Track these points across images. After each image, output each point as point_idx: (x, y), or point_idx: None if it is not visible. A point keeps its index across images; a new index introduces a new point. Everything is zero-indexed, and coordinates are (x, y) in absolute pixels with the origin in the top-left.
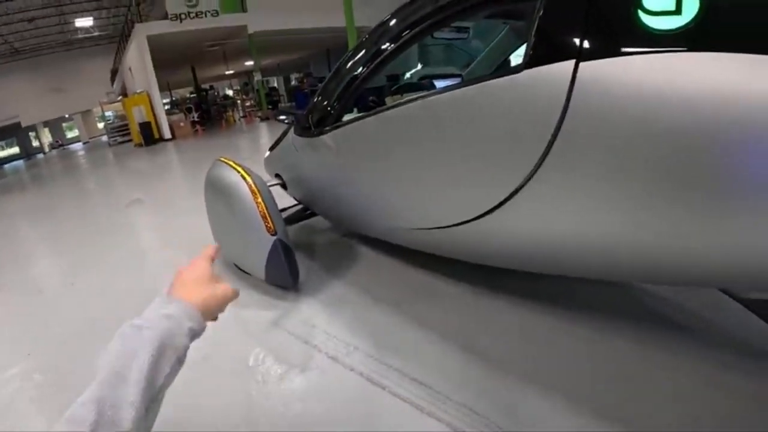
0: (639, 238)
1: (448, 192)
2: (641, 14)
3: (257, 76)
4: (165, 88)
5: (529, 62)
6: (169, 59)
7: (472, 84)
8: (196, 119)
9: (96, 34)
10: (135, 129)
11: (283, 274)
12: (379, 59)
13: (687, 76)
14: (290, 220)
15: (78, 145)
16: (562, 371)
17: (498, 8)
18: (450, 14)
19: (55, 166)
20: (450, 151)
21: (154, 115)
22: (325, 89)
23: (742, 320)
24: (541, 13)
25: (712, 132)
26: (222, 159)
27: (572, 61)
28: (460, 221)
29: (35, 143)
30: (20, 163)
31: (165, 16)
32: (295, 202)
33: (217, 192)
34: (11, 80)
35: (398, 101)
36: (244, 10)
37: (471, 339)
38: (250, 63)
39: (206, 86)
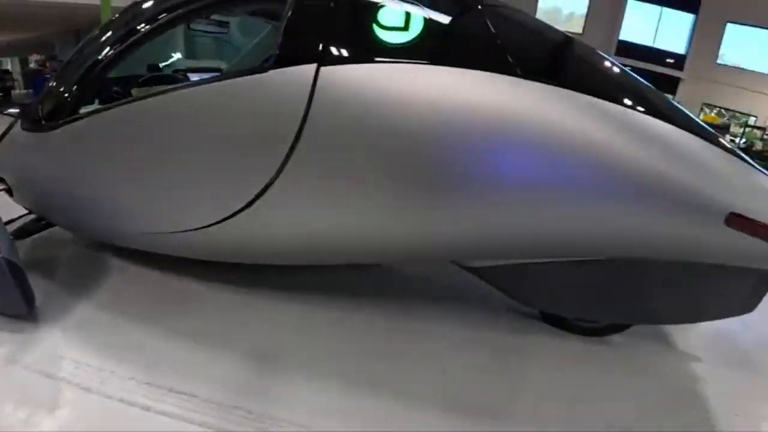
0: (377, 226)
1: (198, 191)
2: (376, 28)
3: None
4: None
5: (275, 62)
6: None
7: (219, 80)
8: None
9: None
10: None
11: (15, 301)
12: (126, 44)
13: (410, 84)
14: (20, 234)
15: None
16: (332, 354)
17: (251, 6)
18: (205, 5)
19: None
20: (197, 148)
21: None
22: (61, 75)
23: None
24: (289, 15)
25: (427, 133)
26: None
27: (314, 65)
28: (214, 221)
29: None
30: None
31: None
32: (26, 212)
33: None
34: None
35: (144, 94)
36: None
37: (238, 342)
38: None
39: None
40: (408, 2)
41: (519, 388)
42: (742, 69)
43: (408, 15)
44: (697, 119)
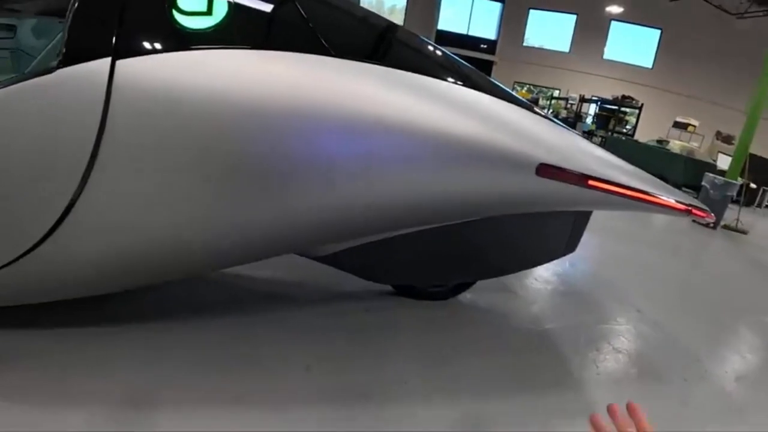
0: (204, 231)
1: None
2: (176, 13)
3: None
4: None
5: (62, 61)
6: None
7: None
8: None
9: None
10: None
11: None
12: None
13: (219, 71)
14: None
15: None
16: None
17: (32, 3)
18: None
19: None
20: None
21: None
22: None
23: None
24: (75, 7)
25: (243, 121)
26: None
27: (108, 59)
28: (8, 259)
29: None
30: None
31: None
32: None
33: None
34: None
35: None
36: None
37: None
38: None
39: None
40: None
41: (383, 363)
42: (545, 49)
43: None
44: (514, 94)
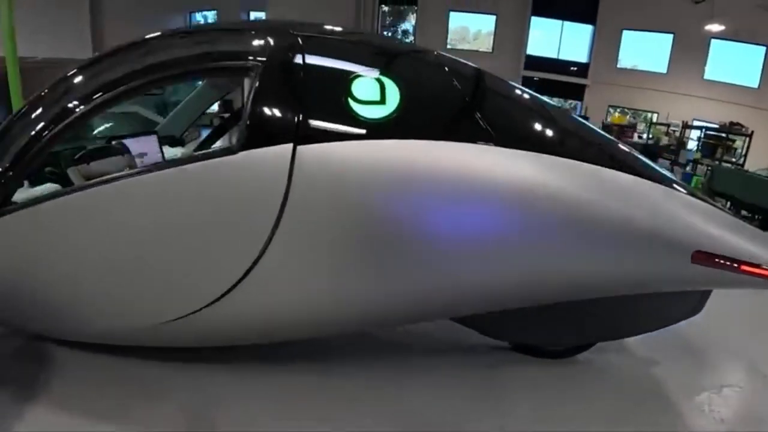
0: (369, 297)
1: (173, 281)
2: (352, 102)
3: None
4: None
5: (245, 144)
6: None
7: (184, 164)
8: None
9: None
10: None
11: None
12: (67, 121)
13: (388, 159)
14: None
15: None
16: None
17: (209, 76)
18: (160, 78)
19: None
20: (167, 238)
21: None
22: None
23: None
24: (255, 94)
25: (412, 208)
26: None
27: (291, 145)
28: (193, 309)
29: None
30: None
31: None
32: None
33: None
34: None
35: (96, 180)
36: None
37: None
38: None
39: None
40: (376, 62)
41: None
42: (640, 70)
43: (383, 87)
44: (652, 164)
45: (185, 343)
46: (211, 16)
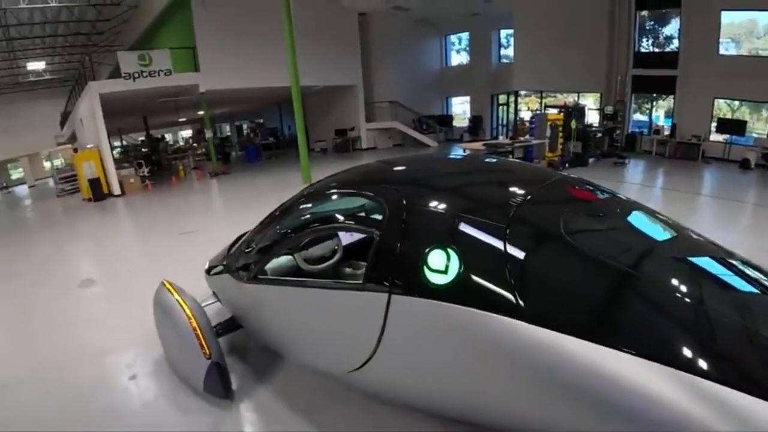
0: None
1: (332, 350)
2: (425, 269)
3: (208, 134)
4: (116, 133)
5: (365, 281)
6: (121, 110)
7: (336, 288)
8: (146, 174)
9: (48, 77)
10: (84, 184)
11: (218, 390)
12: (297, 234)
13: (444, 319)
14: (226, 329)
15: (23, 189)
16: None
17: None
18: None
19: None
20: (322, 326)
21: (104, 170)
22: (250, 241)
23: None
24: (375, 249)
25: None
26: (165, 282)
27: (387, 293)
28: (349, 369)
29: None
30: None
31: (117, 70)
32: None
33: (162, 312)
34: None
35: (300, 281)
36: (196, 69)
37: None
38: (202, 112)
39: (158, 135)
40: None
41: None
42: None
43: (449, 258)
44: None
45: (361, 388)
46: (464, 37)
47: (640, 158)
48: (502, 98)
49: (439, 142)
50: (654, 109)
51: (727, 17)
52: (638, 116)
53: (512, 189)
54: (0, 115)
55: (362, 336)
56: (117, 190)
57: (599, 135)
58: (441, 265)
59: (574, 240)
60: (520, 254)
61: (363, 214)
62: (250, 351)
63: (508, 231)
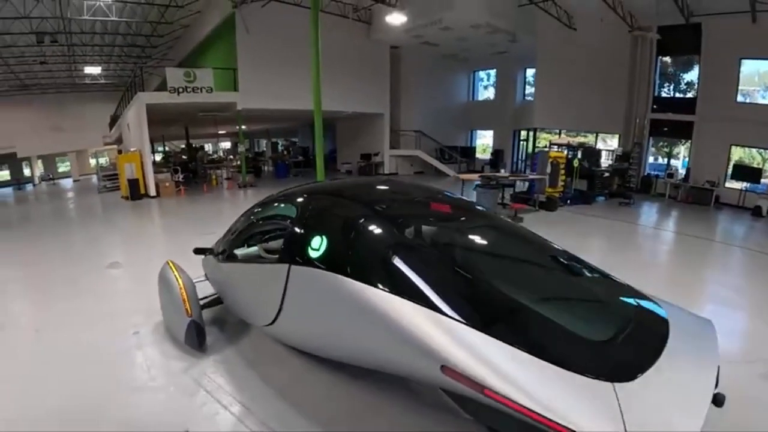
0: (332, 344)
1: (260, 309)
2: (309, 249)
3: (241, 148)
4: (160, 139)
5: (279, 257)
6: (165, 119)
7: (261, 262)
8: (180, 180)
9: (102, 81)
10: (124, 183)
11: (194, 343)
12: (259, 229)
13: (334, 284)
14: (210, 304)
15: (68, 182)
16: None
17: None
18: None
19: (44, 206)
20: (256, 290)
21: (143, 173)
22: (228, 232)
23: None
24: (288, 237)
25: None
26: (169, 261)
27: (288, 264)
28: (267, 323)
29: (26, 171)
30: (9, 192)
31: (165, 83)
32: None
33: (162, 282)
34: (16, 113)
35: (246, 258)
36: (235, 89)
37: (303, 392)
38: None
39: (198, 144)
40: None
41: None
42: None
43: (321, 242)
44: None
45: (278, 339)
46: (492, 74)
47: (653, 201)
48: (524, 134)
49: (459, 173)
50: (672, 152)
51: (751, 67)
52: (659, 159)
53: (377, 200)
54: (55, 112)
55: (273, 297)
56: (153, 192)
57: (606, 175)
58: (317, 245)
59: (396, 233)
60: (356, 241)
61: (285, 214)
62: (227, 323)
63: (353, 225)
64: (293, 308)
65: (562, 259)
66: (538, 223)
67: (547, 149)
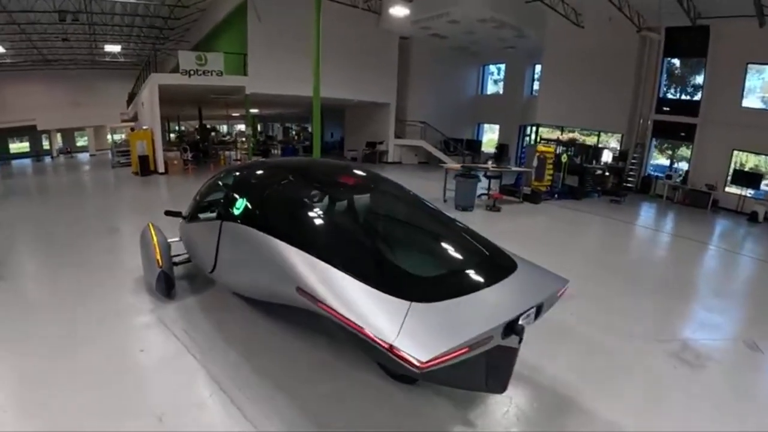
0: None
1: (206, 258)
2: (234, 208)
3: (248, 131)
4: (176, 119)
5: (216, 216)
6: (178, 99)
7: (207, 221)
8: (189, 158)
9: (121, 60)
10: (135, 159)
11: (163, 291)
12: (207, 198)
13: (243, 233)
14: (183, 261)
15: (85, 156)
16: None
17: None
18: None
19: (61, 177)
20: (204, 241)
21: (154, 150)
22: (194, 200)
23: None
24: (225, 199)
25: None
26: (149, 224)
27: (220, 221)
28: (210, 270)
29: (45, 144)
30: (28, 163)
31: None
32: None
33: (142, 240)
34: (37, 87)
35: (200, 218)
36: (245, 73)
37: (234, 329)
38: (253, 110)
39: (211, 125)
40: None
41: None
42: None
43: (242, 203)
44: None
45: (221, 283)
46: (503, 68)
47: (650, 201)
48: (529, 129)
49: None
50: (675, 154)
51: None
52: (662, 161)
53: (287, 174)
54: (75, 88)
55: (212, 247)
56: (161, 169)
57: (599, 172)
58: (239, 206)
59: (300, 199)
60: (268, 202)
61: (227, 182)
62: (196, 278)
63: (266, 192)
64: (224, 255)
65: (437, 221)
66: (514, 213)
67: (533, 144)
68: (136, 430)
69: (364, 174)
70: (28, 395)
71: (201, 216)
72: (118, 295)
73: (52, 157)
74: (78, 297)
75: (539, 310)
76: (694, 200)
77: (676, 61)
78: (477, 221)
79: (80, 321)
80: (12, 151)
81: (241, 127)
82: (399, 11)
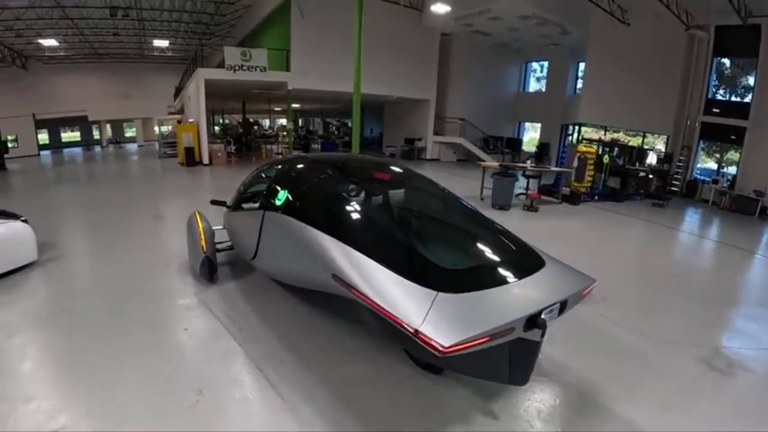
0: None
1: (248, 246)
2: (276, 199)
3: (289, 125)
4: (221, 112)
5: (259, 207)
6: (223, 94)
7: (250, 210)
8: (232, 151)
9: (169, 54)
10: (181, 151)
11: (206, 275)
12: (263, 189)
13: (284, 222)
14: (225, 249)
15: (133, 147)
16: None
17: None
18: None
19: (110, 166)
20: (247, 230)
21: (199, 142)
22: (240, 191)
23: None
24: (266, 192)
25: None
26: (196, 212)
27: (263, 210)
28: (252, 257)
29: (96, 134)
30: (79, 151)
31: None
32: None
33: (188, 228)
34: (88, 79)
35: (244, 208)
36: (287, 69)
37: (273, 312)
38: (294, 105)
39: (254, 119)
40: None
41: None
42: None
43: (284, 194)
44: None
45: (261, 270)
46: (546, 65)
47: (695, 206)
48: (571, 129)
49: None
50: (722, 158)
51: None
52: (710, 164)
53: (326, 169)
54: (124, 80)
55: (254, 235)
56: (206, 160)
57: (642, 174)
58: (281, 197)
59: (338, 193)
60: (308, 194)
61: (269, 175)
62: (237, 265)
63: (306, 185)
64: (265, 243)
65: (467, 217)
66: (552, 213)
67: (574, 143)
68: (180, 401)
69: (398, 170)
70: (81, 365)
71: (245, 206)
72: (163, 278)
73: (101, 147)
74: (126, 278)
75: (563, 307)
76: (741, 206)
77: (726, 61)
78: (513, 220)
79: (128, 300)
80: (64, 140)
81: (283, 121)
82: (440, 8)
